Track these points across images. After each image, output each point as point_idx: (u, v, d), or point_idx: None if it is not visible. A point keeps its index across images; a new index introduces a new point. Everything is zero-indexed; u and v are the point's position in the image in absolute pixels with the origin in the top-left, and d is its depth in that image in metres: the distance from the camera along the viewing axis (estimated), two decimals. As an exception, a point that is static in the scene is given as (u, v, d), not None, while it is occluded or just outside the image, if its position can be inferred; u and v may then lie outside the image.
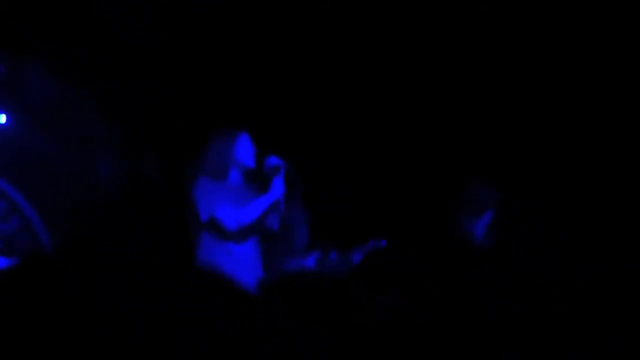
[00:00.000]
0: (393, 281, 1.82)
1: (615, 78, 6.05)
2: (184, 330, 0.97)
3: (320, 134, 6.62)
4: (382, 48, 6.25)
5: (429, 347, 1.68)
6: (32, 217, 6.08)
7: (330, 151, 6.70)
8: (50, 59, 5.92)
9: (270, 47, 6.13)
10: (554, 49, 6.04)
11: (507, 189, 6.16)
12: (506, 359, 1.81)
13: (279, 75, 6.31)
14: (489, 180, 6.05)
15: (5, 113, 6.05)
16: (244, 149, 4.68)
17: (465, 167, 6.29)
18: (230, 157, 4.63)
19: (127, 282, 1.00)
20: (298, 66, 6.31)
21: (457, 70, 6.33)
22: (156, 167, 6.23)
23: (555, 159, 6.42)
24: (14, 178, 6.06)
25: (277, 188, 4.60)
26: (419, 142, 6.72)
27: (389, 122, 6.70)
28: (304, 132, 6.52)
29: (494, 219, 6.04)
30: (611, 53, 5.92)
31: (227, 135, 4.68)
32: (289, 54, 6.22)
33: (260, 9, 5.85)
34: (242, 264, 4.49)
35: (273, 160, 4.63)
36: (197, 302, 1.02)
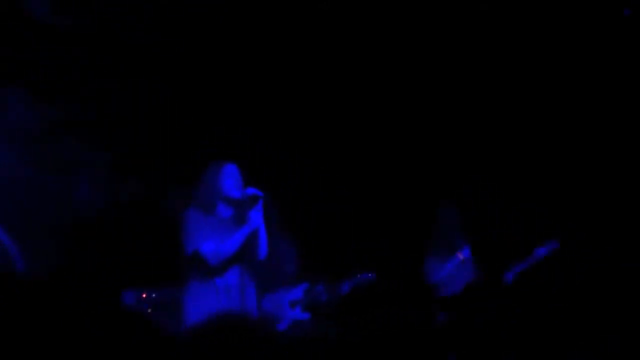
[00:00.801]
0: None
1: (614, 80, 6.08)
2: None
3: (311, 162, 6.62)
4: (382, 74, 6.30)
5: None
6: (8, 245, 6.01)
7: (321, 180, 6.71)
8: (28, 81, 5.86)
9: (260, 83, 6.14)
10: (553, 54, 6.07)
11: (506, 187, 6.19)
12: (506, 359, 1.81)
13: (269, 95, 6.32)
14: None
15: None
16: (230, 182, 4.71)
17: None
18: (217, 190, 4.69)
19: (100, 308, 1.00)
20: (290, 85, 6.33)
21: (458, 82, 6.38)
22: (136, 192, 6.19)
23: (554, 163, 6.45)
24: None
25: (254, 219, 4.64)
26: (402, 174, 6.74)
27: (377, 151, 6.72)
28: (294, 159, 6.51)
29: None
30: (611, 55, 5.94)
31: (215, 167, 4.74)
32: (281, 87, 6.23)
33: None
34: (226, 296, 4.57)
35: (250, 191, 4.65)
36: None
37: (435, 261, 6.06)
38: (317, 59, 6.19)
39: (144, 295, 5.72)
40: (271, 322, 5.35)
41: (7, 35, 5.54)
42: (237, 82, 6.32)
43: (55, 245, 5.78)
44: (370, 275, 5.53)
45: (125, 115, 6.19)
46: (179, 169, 5.21)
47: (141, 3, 5.73)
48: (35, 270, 5.83)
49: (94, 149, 6.10)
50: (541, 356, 1.94)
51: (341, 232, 6.69)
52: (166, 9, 5.73)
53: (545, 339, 1.95)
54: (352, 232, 6.72)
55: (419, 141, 6.69)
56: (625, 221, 6.18)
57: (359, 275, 5.54)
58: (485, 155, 6.63)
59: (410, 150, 6.71)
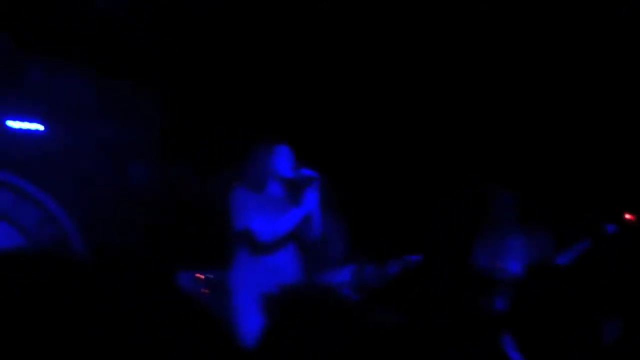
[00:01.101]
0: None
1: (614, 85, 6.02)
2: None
3: (358, 149, 6.61)
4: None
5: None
6: (67, 225, 6.11)
7: (370, 164, 6.69)
8: (85, 66, 5.94)
9: (307, 58, 6.13)
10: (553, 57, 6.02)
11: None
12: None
13: (313, 85, 6.31)
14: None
15: (42, 122, 6.09)
16: (282, 161, 4.69)
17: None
18: (269, 169, 4.66)
19: (157, 287, 1.00)
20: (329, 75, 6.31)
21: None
22: (189, 174, 6.23)
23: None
24: (49, 187, 6.09)
25: (310, 200, 4.62)
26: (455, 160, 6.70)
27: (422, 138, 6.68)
28: (341, 145, 6.51)
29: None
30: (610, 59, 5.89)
31: (267, 147, 4.71)
32: (327, 68, 6.22)
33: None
34: (275, 275, 4.51)
35: (307, 172, 4.64)
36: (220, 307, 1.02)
37: (486, 245, 6.01)
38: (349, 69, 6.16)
39: (199, 276, 5.69)
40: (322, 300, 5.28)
41: (63, 15, 5.58)
42: (274, 92, 6.31)
43: (111, 227, 5.84)
44: (417, 256, 5.39)
45: (160, 122, 6.21)
46: (227, 151, 5.18)
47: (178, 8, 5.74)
48: (92, 250, 5.93)
49: (147, 132, 6.16)
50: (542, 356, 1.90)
51: (389, 212, 6.64)
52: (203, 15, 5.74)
53: (546, 339, 1.90)
54: (399, 213, 6.67)
55: (469, 124, 6.62)
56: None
57: (406, 257, 5.41)
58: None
59: (460, 132, 6.64)
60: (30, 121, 6.07)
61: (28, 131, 6.06)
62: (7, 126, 5.96)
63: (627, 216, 6.06)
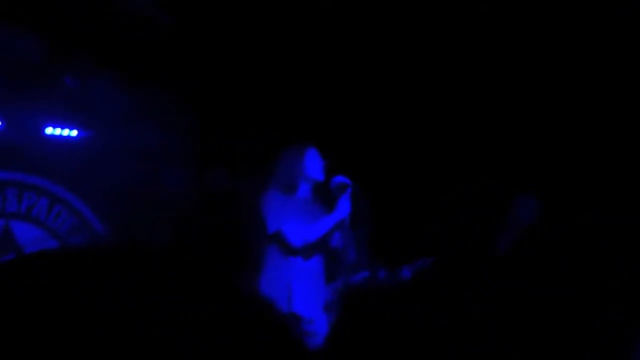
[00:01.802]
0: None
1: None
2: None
3: (368, 153, 6.55)
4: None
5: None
6: (101, 233, 6.13)
7: (378, 170, 6.63)
8: (121, 72, 5.96)
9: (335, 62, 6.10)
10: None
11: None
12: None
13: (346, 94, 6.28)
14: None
15: (76, 128, 6.11)
16: (313, 164, 4.67)
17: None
18: (300, 172, 4.64)
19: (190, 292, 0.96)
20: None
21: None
22: (224, 180, 6.22)
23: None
24: (84, 194, 6.11)
25: (343, 208, 4.59)
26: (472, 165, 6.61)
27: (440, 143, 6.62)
28: (362, 152, 6.47)
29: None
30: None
31: (297, 150, 4.69)
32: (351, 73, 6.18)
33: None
34: (305, 279, 4.52)
35: (339, 179, 4.61)
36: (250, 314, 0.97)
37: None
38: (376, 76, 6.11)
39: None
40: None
41: (98, 21, 5.62)
42: (306, 97, 6.28)
43: (145, 234, 5.85)
44: (431, 260, 5.30)
45: (192, 128, 6.21)
46: (260, 154, 5.16)
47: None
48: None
49: (181, 137, 6.17)
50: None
51: (400, 218, 6.57)
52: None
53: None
54: (411, 218, 6.60)
55: (487, 129, 6.54)
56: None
57: (419, 261, 5.32)
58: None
59: (474, 138, 6.58)
60: (67, 128, 6.10)
61: (64, 137, 6.09)
62: (44, 133, 5.99)
63: None
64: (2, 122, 5.70)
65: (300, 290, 4.45)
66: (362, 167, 6.33)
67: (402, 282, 5.16)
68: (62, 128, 6.07)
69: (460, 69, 6.30)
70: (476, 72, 6.32)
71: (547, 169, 6.34)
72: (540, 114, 6.47)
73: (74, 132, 6.11)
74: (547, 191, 6.03)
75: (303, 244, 4.51)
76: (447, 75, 6.32)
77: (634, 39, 5.51)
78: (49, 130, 6.02)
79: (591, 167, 6.24)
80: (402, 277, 5.15)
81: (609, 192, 6.10)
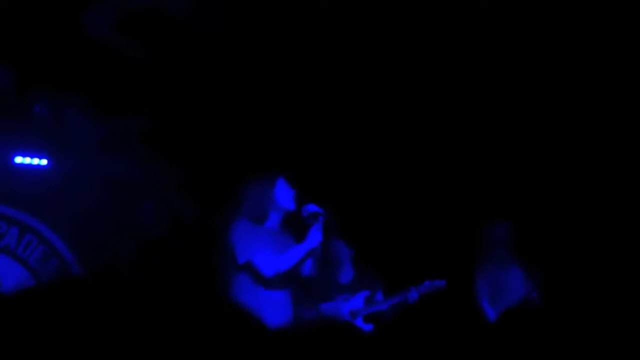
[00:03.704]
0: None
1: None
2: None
3: (362, 175, 6.62)
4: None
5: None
6: (71, 261, 6.11)
7: (376, 190, 6.69)
8: (91, 102, 5.97)
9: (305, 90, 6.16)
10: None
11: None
12: None
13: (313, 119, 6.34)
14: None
15: (46, 157, 6.11)
16: (283, 193, 4.66)
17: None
18: (269, 201, 4.63)
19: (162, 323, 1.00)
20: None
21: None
22: (195, 209, 6.22)
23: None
24: (54, 222, 6.10)
25: (315, 237, 4.55)
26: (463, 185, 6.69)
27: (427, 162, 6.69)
28: (347, 173, 6.52)
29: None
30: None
31: (266, 179, 4.68)
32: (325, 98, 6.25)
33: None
34: (275, 308, 4.47)
35: (311, 208, 4.59)
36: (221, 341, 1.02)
37: (484, 277, 6.00)
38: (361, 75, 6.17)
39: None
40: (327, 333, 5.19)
41: (68, 50, 5.62)
42: (275, 126, 6.34)
43: (115, 262, 5.82)
44: (440, 281, 5.20)
45: (164, 158, 6.22)
46: (230, 184, 5.19)
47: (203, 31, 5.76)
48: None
49: (151, 167, 6.16)
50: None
51: (401, 238, 6.61)
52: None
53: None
54: (411, 238, 6.64)
55: (476, 153, 6.63)
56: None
57: (427, 282, 5.21)
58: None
59: (466, 162, 6.66)
60: (37, 157, 6.09)
61: (34, 166, 6.08)
62: (14, 162, 5.98)
63: None
64: (-29, 152, 5.70)
65: (271, 320, 4.43)
66: (355, 190, 6.39)
67: (402, 304, 5.16)
68: (32, 157, 6.07)
69: (426, 100, 6.39)
70: (441, 103, 6.41)
71: (521, 196, 6.43)
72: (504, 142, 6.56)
73: (44, 161, 6.11)
74: (520, 217, 6.14)
75: (274, 273, 4.47)
76: (414, 100, 6.41)
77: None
78: (18, 159, 6.01)
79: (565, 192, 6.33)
80: (409, 299, 5.14)
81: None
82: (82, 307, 0.93)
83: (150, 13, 5.46)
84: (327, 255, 4.82)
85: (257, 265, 4.47)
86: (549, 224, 6.32)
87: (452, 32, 5.73)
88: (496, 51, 5.91)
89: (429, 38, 5.82)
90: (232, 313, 1.02)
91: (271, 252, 4.50)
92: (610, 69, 5.85)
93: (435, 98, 6.37)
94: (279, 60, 5.91)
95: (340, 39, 5.76)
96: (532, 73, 6.05)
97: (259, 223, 4.61)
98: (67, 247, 6.11)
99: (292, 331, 1.59)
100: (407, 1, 5.52)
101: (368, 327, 5.07)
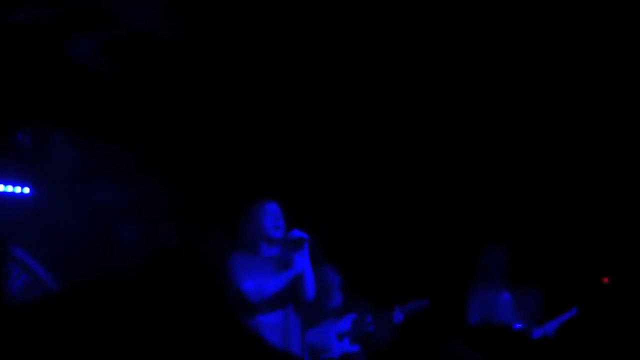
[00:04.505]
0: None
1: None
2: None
3: (355, 198, 6.62)
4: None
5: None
6: (54, 289, 6.04)
7: (366, 208, 6.69)
8: (72, 130, 5.95)
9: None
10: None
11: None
12: None
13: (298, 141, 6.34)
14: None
15: (28, 185, 6.07)
16: (270, 220, 4.72)
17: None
18: (259, 230, 4.71)
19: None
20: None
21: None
22: (176, 235, 6.20)
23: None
24: (36, 251, 6.04)
25: (300, 262, 4.63)
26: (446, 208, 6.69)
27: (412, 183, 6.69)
28: (332, 197, 6.52)
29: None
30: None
31: (255, 206, 4.76)
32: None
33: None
34: (270, 334, 4.52)
35: (296, 234, 4.65)
36: None
37: (476, 300, 6.00)
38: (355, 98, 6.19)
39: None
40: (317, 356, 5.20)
41: (50, 78, 5.60)
42: (273, 122, 6.33)
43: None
44: (424, 301, 5.25)
45: (146, 184, 6.19)
46: (217, 212, 5.19)
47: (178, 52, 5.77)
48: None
49: (135, 194, 6.13)
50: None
51: (386, 260, 6.61)
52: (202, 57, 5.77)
53: None
54: (396, 260, 6.64)
55: (465, 172, 6.64)
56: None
57: (411, 302, 5.27)
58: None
59: (455, 182, 6.67)
60: (19, 185, 6.05)
61: (16, 194, 6.04)
62: (-6, 190, 5.94)
63: (604, 279, 6.04)
64: (-48, 180, 5.64)
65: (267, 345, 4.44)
66: (342, 213, 6.37)
67: (391, 325, 5.16)
68: (14, 185, 6.02)
69: (405, 123, 6.41)
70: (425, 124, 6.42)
71: (516, 216, 6.43)
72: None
73: (26, 189, 6.06)
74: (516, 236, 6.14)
75: (261, 300, 4.56)
76: (395, 121, 6.43)
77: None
78: (0, 188, 5.96)
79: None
80: (394, 320, 5.15)
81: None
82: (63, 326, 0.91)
83: (134, 37, 5.46)
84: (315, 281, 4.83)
85: (244, 293, 4.55)
86: (542, 248, 6.33)
87: (447, 35, 5.76)
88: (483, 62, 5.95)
89: (414, 47, 5.83)
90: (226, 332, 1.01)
91: (260, 279, 4.58)
92: (609, 72, 5.89)
93: (420, 123, 6.39)
94: (262, 85, 5.92)
95: (325, 60, 5.78)
96: (527, 79, 6.09)
97: (252, 251, 4.72)
98: (50, 276, 6.04)
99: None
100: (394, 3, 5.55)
101: (355, 349, 5.12)
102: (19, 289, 5.96)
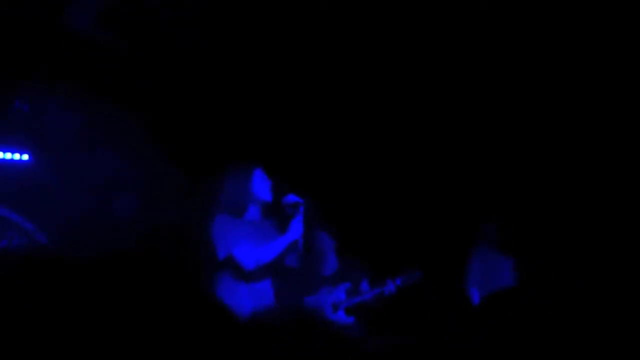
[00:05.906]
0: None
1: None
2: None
3: (351, 162, 6.61)
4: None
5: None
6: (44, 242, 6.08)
7: (364, 179, 6.69)
8: (72, 98, 5.95)
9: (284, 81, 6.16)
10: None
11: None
12: None
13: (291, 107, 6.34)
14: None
15: (27, 152, 6.09)
16: (260, 184, 4.64)
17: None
18: (246, 193, 4.60)
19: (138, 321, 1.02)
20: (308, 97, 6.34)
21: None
22: (173, 205, 6.21)
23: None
24: (35, 217, 6.08)
25: (296, 228, 4.53)
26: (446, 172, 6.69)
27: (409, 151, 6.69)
28: (328, 163, 6.52)
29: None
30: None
31: (242, 171, 4.66)
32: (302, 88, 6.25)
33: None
34: (257, 302, 4.44)
35: (291, 199, 4.57)
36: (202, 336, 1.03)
37: (475, 264, 6.08)
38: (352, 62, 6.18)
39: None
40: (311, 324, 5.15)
41: (50, 47, 5.59)
42: (252, 118, 6.33)
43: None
44: (417, 273, 5.19)
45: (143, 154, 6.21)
46: (208, 177, 5.16)
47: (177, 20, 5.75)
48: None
49: (131, 162, 6.14)
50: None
51: (383, 229, 6.61)
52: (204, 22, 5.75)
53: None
54: (394, 229, 6.64)
55: (466, 148, 6.64)
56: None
57: (405, 274, 5.20)
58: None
59: (456, 155, 6.67)
60: (18, 152, 6.07)
61: (15, 161, 6.06)
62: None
63: None
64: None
65: (254, 313, 4.36)
66: (338, 179, 6.36)
67: (386, 295, 5.13)
68: (13, 152, 6.05)
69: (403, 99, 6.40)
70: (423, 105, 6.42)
71: (514, 194, 6.44)
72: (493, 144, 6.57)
73: (25, 156, 6.09)
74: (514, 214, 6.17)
75: (255, 266, 4.43)
76: (394, 90, 6.42)
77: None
78: (-1, 155, 5.99)
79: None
80: (386, 290, 5.11)
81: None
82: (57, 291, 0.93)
83: (133, 6, 5.45)
84: (309, 247, 4.79)
85: (237, 258, 4.43)
86: (543, 218, 6.36)
87: (445, 31, 5.76)
88: (484, 53, 5.94)
89: (413, 35, 5.84)
90: (212, 310, 1.03)
91: (252, 244, 4.46)
92: (609, 70, 5.89)
93: (418, 90, 6.38)
94: (253, 52, 5.90)
95: (317, 35, 5.79)
96: (526, 76, 6.09)
97: (238, 216, 4.57)
98: (48, 242, 6.08)
99: (275, 324, 1.59)
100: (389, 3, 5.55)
101: (350, 320, 5.05)
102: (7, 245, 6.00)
